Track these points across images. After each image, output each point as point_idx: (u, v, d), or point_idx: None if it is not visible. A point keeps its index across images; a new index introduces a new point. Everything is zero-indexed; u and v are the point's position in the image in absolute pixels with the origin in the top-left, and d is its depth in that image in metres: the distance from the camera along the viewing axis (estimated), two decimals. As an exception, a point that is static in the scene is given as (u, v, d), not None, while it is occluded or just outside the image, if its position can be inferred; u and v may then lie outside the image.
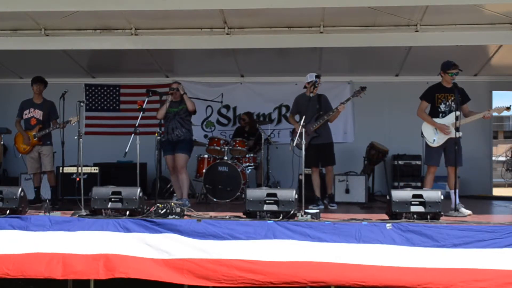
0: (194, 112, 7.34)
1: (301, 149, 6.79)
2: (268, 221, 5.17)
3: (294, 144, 6.76)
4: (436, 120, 6.46)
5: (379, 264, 4.88)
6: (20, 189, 5.68)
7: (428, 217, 5.25)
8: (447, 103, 6.46)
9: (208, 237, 5.14)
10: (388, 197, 5.49)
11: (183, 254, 5.12)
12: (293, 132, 7.28)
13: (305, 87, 7.07)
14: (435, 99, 6.51)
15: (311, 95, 6.77)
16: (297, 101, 7.18)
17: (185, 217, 5.57)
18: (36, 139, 7.33)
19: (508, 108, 6.28)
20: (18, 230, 5.34)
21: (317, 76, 6.92)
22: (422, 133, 6.53)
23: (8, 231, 5.35)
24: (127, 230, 5.27)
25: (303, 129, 5.92)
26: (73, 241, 5.26)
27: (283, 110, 10.06)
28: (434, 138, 6.44)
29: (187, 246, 5.13)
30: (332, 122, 7.18)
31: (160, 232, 5.22)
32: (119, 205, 5.57)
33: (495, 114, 6.48)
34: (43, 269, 5.17)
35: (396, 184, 9.05)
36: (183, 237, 5.17)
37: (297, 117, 7.29)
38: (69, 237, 5.29)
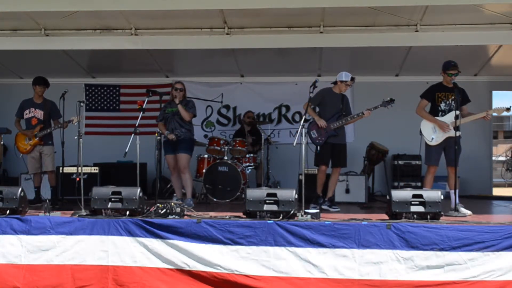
0: (191, 117, 7.32)
1: (316, 144, 6.80)
2: (269, 221, 5.18)
3: (309, 138, 6.66)
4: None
5: (378, 278, 4.90)
6: (20, 189, 5.67)
7: (428, 217, 5.25)
8: (448, 102, 6.46)
9: (209, 242, 5.16)
10: (388, 197, 5.49)
11: (187, 266, 5.15)
12: (311, 126, 7.02)
13: (335, 82, 7.01)
14: (436, 98, 6.51)
15: (335, 91, 6.77)
16: (323, 94, 6.97)
17: (185, 217, 5.57)
18: (37, 139, 7.32)
19: (508, 109, 6.28)
20: (21, 235, 5.34)
21: (352, 79, 6.91)
22: (420, 131, 6.54)
23: (11, 236, 5.35)
24: (129, 234, 5.29)
25: (303, 128, 5.90)
26: (78, 248, 5.28)
27: (283, 110, 10.06)
28: (433, 136, 6.44)
29: (190, 256, 5.16)
30: (347, 125, 7.16)
31: (162, 237, 5.24)
32: (119, 205, 5.57)
33: (494, 114, 6.48)
34: (53, 282, 5.22)
35: (396, 184, 9.05)
36: (185, 243, 5.18)
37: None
38: (72, 243, 5.30)
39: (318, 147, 6.85)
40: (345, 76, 6.92)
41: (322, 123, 6.80)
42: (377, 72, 9.55)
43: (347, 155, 7.10)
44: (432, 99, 6.54)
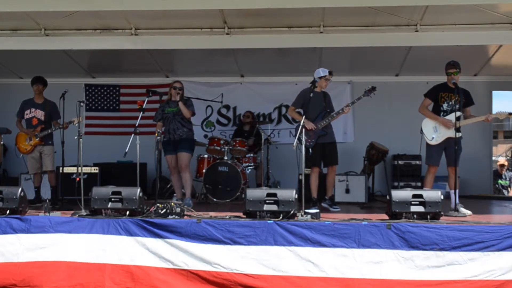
0: (191, 115, 7.30)
1: (307, 147, 6.73)
2: (268, 221, 5.18)
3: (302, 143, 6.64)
4: (437, 119, 6.47)
5: (379, 278, 4.89)
6: (20, 189, 5.67)
7: (428, 217, 5.25)
8: (450, 103, 6.45)
9: (209, 241, 5.15)
10: (388, 197, 5.48)
11: (186, 265, 5.14)
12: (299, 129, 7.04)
13: (314, 81, 6.95)
14: (439, 98, 6.51)
15: (316, 90, 6.73)
16: (304, 95, 6.93)
17: (185, 217, 5.57)
18: (38, 139, 7.33)
19: (510, 114, 6.27)
20: (20, 234, 5.34)
21: (330, 73, 6.83)
22: (421, 130, 6.54)
23: (10, 235, 5.35)
24: (128, 233, 5.29)
25: (304, 128, 5.90)
26: (76, 246, 5.28)
27: (283, 110, 10.07)
28: (433, 136, 6.44)
29: (189, 255, 5.15)
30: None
31: (161, 236, 5.23)
32: (119, 205, 5.57)
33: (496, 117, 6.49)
34: (49, 279, 5.21)
35: (396, 184, 9.05)
36: (185, 242, 5.18)
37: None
38: (71, 241, 5.30)
39: (310, 150, 6.77)
40: (322, 71, 6.84)
41: (309, 125, 6.68)
42: (377, 72, 9.55)
43: (338, 152, 7.03)
44: (435, 98, 6.54)
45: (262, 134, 8.57)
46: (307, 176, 6.73)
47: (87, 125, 10.04)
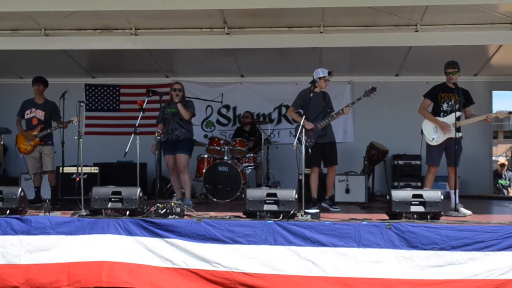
0: (190, 116, 7.31)
1: (306, 147, 6.72)
2: (268, 221, 5.18)
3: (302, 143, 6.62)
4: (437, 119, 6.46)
5: (379, 277, 4.88)
6: (20, 189, 5.66)
7: (428, 217, 5.25)
8: (450, 103, 6.45)
9: (208, 241, 5.15)
10: (388, 197, 5.48)
11: (186, 264, 5.14)
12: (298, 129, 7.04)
13: (312, 82, 6.88)
14: (439, 98, 6.50)
15: (316, 90, 6.74)
16: (303, 95, 6.89)
17: (185, 217, 5.57)
18: (37, 139, 7.33)
19: (510, 113, 6.25)
20: (21, 236, 5.34)
21: (330, 73, 6.80)
22: (422, 131, 6.54)
23: (11, 236, 5.34)
24: (128, 233, 5.28)
25: (304, 128, 5.89)
26: (76, 247, 5.28)
27: (283, 110, 10.07)
28: (433, 136, 6.44)
29: (189, 254, 5.15)
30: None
31: (161, 236, 5.23)
32: (119, 205, 5.57)
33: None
34: (50, 279, 5.22)
35: (396, 184, 9.06)
36: (184, 242, 5.18)
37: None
38: (71, 242, 5.30)
39: (310, 150, 6.73)
40: (321, 72, 6.79)
41: (309, 125, 6.65)
42: (377, 72, 9.56)
43: (337, 152, 7.01)
44: (435, 99, 6.53)
45: (262, 134, 8.57)
46: (307, 176, 6.73)
47: (87, 125, 10.04)
